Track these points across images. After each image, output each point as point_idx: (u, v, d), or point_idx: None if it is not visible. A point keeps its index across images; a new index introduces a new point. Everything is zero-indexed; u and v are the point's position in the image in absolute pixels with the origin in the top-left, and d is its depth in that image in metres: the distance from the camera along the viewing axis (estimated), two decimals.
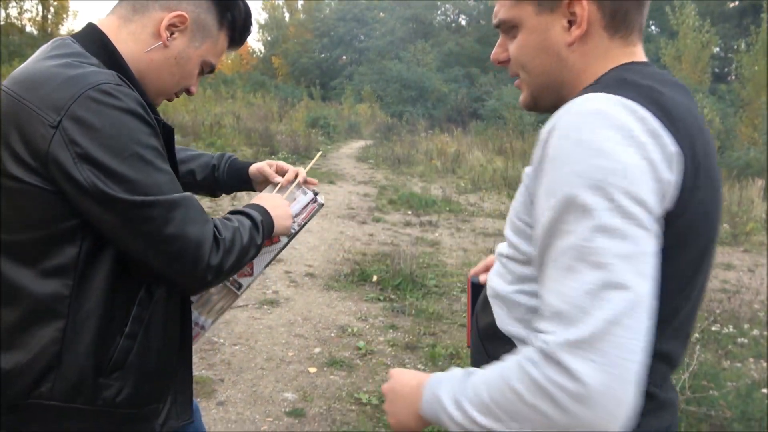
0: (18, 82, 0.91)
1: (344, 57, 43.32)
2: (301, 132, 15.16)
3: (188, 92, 1.13)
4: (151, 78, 1.04)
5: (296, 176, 1.34)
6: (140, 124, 0.90)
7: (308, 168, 1.40)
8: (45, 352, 0.90)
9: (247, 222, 1.10)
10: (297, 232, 1.30)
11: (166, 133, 1.03)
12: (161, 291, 1.02)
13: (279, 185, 1.33)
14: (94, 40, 1.00)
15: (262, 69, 41.36)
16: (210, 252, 0.95)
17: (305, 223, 1.32)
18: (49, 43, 1.01)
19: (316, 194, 1.34)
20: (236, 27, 1.11)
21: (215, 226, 1.00)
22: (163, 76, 1.05)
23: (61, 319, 0.90)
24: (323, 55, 43.69)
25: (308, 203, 1.32)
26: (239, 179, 1.40)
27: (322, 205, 1.35)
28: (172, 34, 1.03)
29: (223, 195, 1.47)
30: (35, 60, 0.95)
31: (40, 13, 39.92)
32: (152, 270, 0.96)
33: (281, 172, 1.36)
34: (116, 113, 0.87)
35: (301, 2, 45.64)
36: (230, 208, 1.23)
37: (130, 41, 1.01)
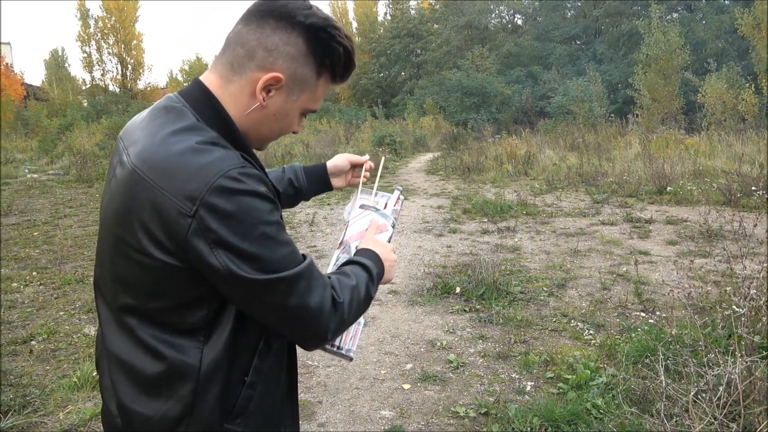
0: (150, 167, 0.96)
1: (403, 73, 43.69)
2: (369, 152, 15.41)
3: (294, 132, 1.16)
4: (251, 134, 1.08)
5: (375, 168, 1.49)
6: (265, 203, 0.95)
7: (377, 182, 1.44)
8: (180, 402, 1.00)
9: (363, 275, 1.14)
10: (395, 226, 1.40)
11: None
12: (278, 342, 1.10)
13: (358, 192, 1.41)
14: (207, 105, 1.03)
15: (325, 95, 42.41)
16: (329, 318, 1.02)
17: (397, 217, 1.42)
18: (163, 107, 1.04)
19: (399, 190, 1.44)
20: (337, 72, 1.08)
21: (333, 289, 1.05)
22: (263, 131, 1.09)
23: (194, 372, 1.00)
24: (382, 74, 44.29)
25: (398, 198, 1.41)
26: (321, 183, 1.49)
27: (401, 191, 1.46)
28: (269, 92, 1.03)
29: None
30: (159, 137, 0.98)
31: (120, 72, 43.19)
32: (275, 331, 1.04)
33: (358, 164, 1.50)
34: (244, 198, 0.92)
35: (355, 25, 46.62)
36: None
37: (231, 104, 1.03)
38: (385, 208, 1.37)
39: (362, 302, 1.10)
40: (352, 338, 1.25)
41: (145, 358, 1.01)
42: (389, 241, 1.33)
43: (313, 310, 0.99)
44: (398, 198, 1.40)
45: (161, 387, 1.01)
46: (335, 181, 1.50)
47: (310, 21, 1.01)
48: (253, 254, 0.93)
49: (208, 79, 1.05)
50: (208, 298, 0.98)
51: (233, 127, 1.03)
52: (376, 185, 1.41)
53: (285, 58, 1.01)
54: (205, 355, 0.99)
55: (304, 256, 1.02)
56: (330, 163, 1.49)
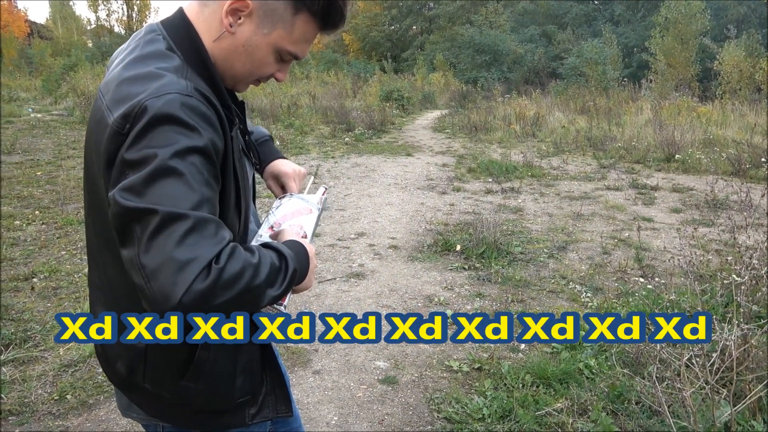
0: (108, 90, 0.94)
1: (414, 27, 42.64)
2: (376, 106, 15.20)
3: (276, 79, 1.07)
4: (222, 67, 1.01)
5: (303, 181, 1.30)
6: (191, 139, 0.86)
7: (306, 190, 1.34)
8: (135, 348, 1.01)
9: (272, 264, 0.91)
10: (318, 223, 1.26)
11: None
12: None
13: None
14: (183, 32, 0.99)
15: (334, 47, 41.63)
16: (189, 278, 0.78)
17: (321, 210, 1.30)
18: (141, 35, 1.01)
19: (325, 187, 1.34)
20: (317, 12, 0.99)
21: (218, 252, 0.82)
22: (234, 65, 1.01)
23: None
24: (393, 27, 43.23)
25: (323, 192, 1.31)
26: (264, 160, 1.32)
27: (327, 188, 1.35)
28: (238, 19, 0.97)
29: None
30: (124, 63, 0.96)
31: (126, 13, 42.32)
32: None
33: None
34: (168, 126, 0.85)
35: None
36: None
37: (205, 29, 0.99)
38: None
39: (253, 289, 0.85)
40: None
41: (116, 293, 1.02)
42: (315, 228, 1.18)
43: (175, 261, 0.78)
44: (323, 192, 1.29)
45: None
46: (266, 174, 1.32)
47: None
48: (141, 181, 0.81)
49: (190, 6, 1.03)
50: None
51: (204, 54, 0.99)
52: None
53: None
54: None
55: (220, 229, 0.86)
56: (273, 169, 1.31)
